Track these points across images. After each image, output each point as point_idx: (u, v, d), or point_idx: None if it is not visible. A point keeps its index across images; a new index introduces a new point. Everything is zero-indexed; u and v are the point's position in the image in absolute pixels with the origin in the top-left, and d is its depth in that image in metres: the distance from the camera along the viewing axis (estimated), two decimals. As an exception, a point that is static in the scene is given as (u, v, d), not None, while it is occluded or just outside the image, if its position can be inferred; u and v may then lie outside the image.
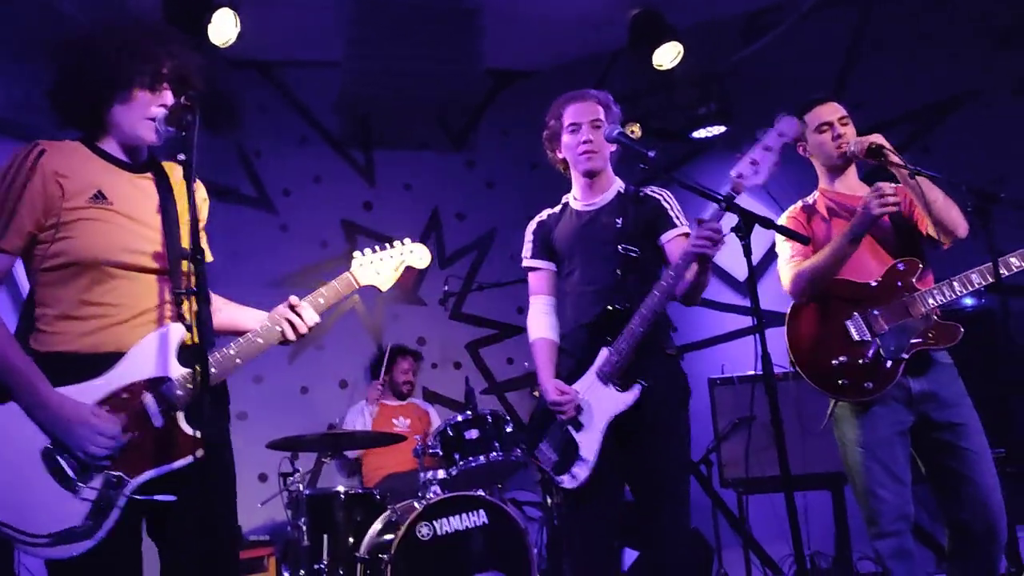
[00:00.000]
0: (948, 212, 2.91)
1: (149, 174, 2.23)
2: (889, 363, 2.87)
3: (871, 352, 2.89)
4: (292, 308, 2.25)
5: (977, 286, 2.88)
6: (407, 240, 2.53)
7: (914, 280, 2.96)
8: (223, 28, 4.72)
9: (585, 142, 3.05)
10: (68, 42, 2.15)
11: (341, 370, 5.94)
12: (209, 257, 2.36)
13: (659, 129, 5.91)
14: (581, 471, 2.91)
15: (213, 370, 2.11)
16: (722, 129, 5.76)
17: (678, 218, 3.03)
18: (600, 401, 2.92)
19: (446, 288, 5.26)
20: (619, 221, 3.01)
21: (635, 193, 3.07)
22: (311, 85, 6.08)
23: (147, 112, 2.14)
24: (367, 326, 6.05)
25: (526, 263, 3.24)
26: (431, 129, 6.40)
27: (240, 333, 2.26)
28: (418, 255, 2.53)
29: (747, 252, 2.33)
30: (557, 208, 3.23)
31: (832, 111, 3.13)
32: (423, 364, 5.92)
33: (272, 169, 6.03)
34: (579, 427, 2.95)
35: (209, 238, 2.43)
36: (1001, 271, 2.82)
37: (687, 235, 2.98)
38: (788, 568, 5.21)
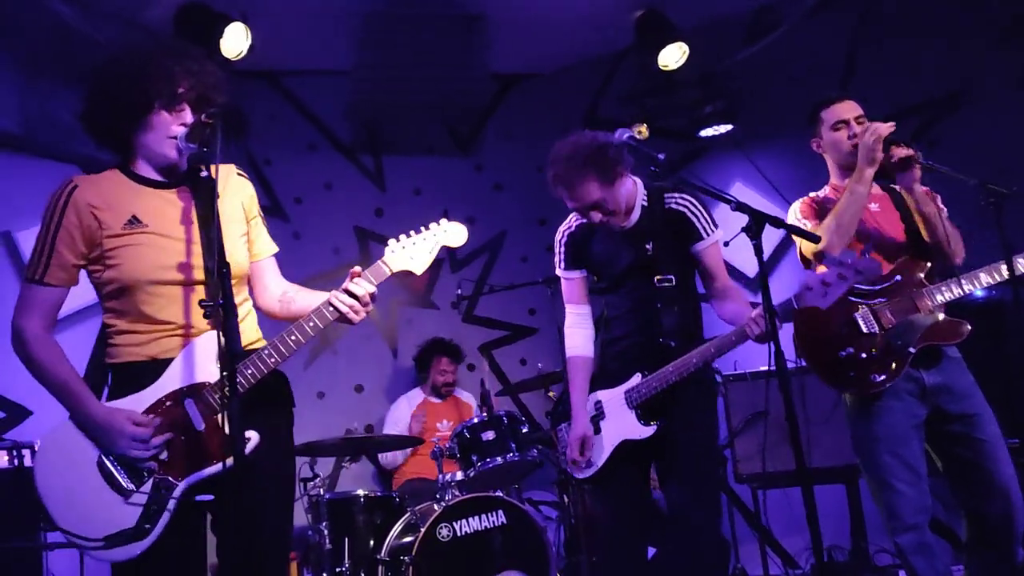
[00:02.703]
0: (956, 242, 3.00)
1: (184, 187, 2.29)
2: (897, 356, 2.89)
3: (879, 345, 2.91)
4: (346, 289, 2.27)
5: (985, 284, 2.92)
6: (443, 220, 2.47)
7: (922, 276, 2.99)
8: (235, 42, 4.76)
9: (602, 222, 2.99)
10: (94, 70, 2.23)
11: (356, 375, 5.98)
12: (274, 247, 2.49)
13: (665, 129, 5.93)
14: (587, 469, 3.07)
15: (273, 358, 2.20)
16: (728, 127, 5.78)
17: (706, 228, 3.01)
18: (620, 419, 3.02)
19: (459, 291, 5.31)
20: (649, 247, 3.00)
21: (660, 203, 3.03)
22: (320, 93, 6.11)
23: (168, 131, 2.21)
24: (381, 331, 6.10)
25: (559, 272, 3.25)
26: (439, 134, 6.43)
27: None
28: (453, 233, 2.46)
29: (758, 252, 2.37)
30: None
31: (849, 109, 3.16)
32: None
33: (283, 177, 6.06)
34: (597, 430, 3.07)
35: None
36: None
37: (718, 241, 3.02)
38: (805, 562, 5.23)
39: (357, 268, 2.31)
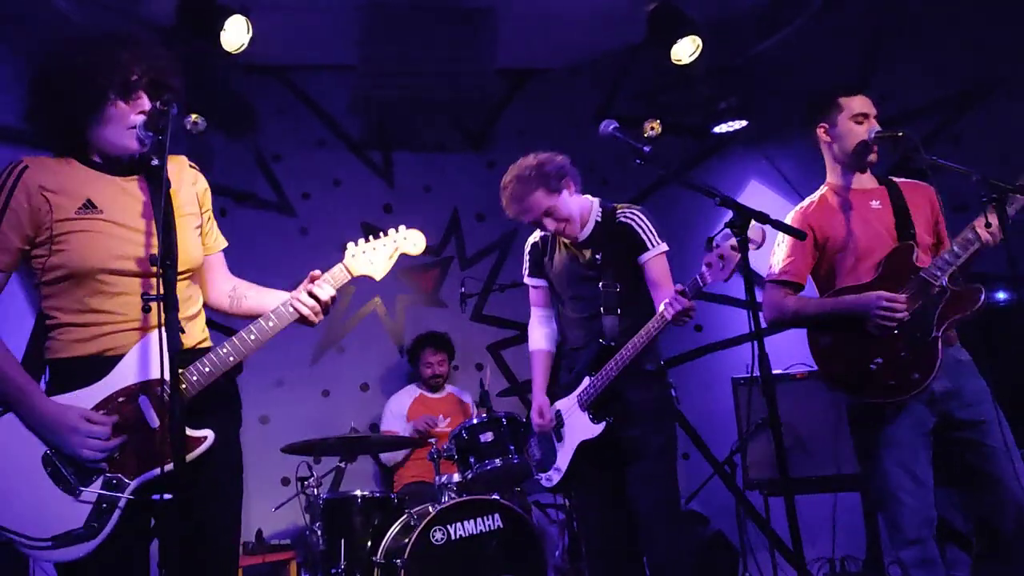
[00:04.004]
0: None
1: (139, 176, 2.22)
2: (924, 347, 2.78)
3: (903, 343, 2.80)
4: (308, 291, 2.25)
5: (975, 241, 2.75)
6: (401, 227, 2.47)
7: (913, 260, 2.88)
8: (235, 35, 4.72)
9: (557, 231, 3.30)
10: (37, 68, 2.15)
11: (362, 373, 5.92)
12: (223, 243, 2.44)
13: (679, 125, 5.81)
14: (554, 476, 3.34)
15: (231, 358, 2.15)
16: (743, 123, 5.63)
17: (651, 240, 3.24)
18: (576, 423, 3.25)
19: (463, 289, 5.24)
20: (599, 257, 3.25)
21: (611, 219, 3.27)
22: (328, 88, 6.06)
23: (127, 122, 2.14)
24: (388, 329, 6.03)
25: (526, 280, 3.59)
26: (449, 130, 6.36)
27: None
28: (412, 241, 2.45)
29: (743, 248, 2.28)
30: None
31: (870, 104, 3.07)
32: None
33: (291, 173, 6.03)
34: (560, 438, 3.32)
35: (230, 243, 2.47)
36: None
37: (663, 253, 3.24)
38: (818, 570, 5.09)
39: (317, 272, 2.28)
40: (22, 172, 2.10)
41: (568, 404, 3.28)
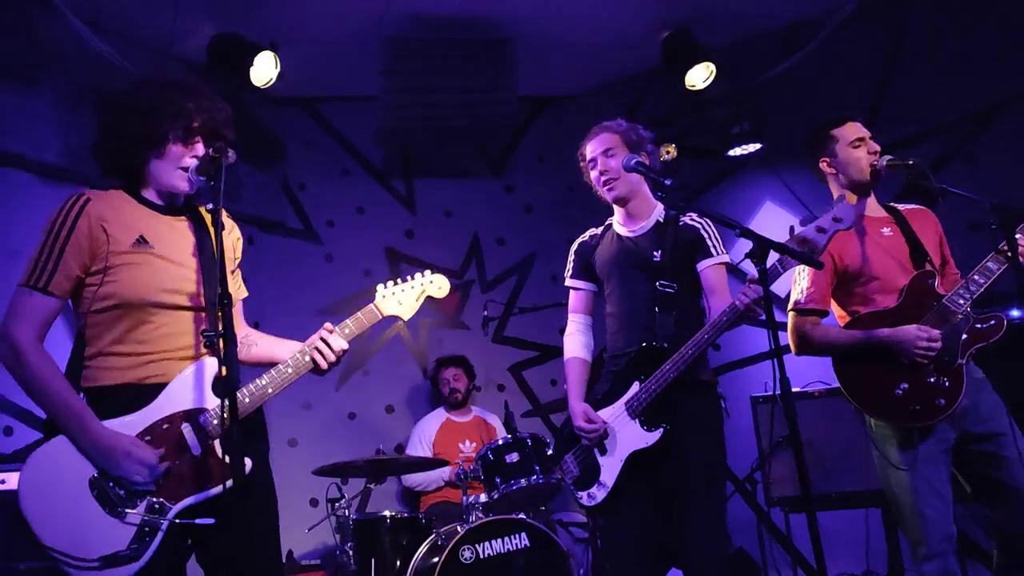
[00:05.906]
0: None
1: (185, 216, 2.39)
2: (950, 373, 2.85)
3: (929, 368, 2.87)
4: (323, 339, 2.38)
5: (997, 271, 2.87)
6: (427, 271, 2.64)
7: (936, 287, 2.97)
8: (264, 70, 4.89)
9: (601, 173, 3.19)
10: (108, 101, 2.31)
11: (387, 396, 6.04)
12: (244, 293, 2.58)
13: (694, 149, 5.91)
14: (598, 493, 3.06)
15: (247, 401, 2.26)
16: (757, 147, 5.73)
17: (715, 247, 3.11)
18: (624, 432, 3.03)
19: (485, 313, 5.34)
20: (657, 254, 3.09)
21: (675, 221, 3.12)
22: (352, 119, 6.23)
23: (180, 163, 2.30)
24: (412, 351, 6.15)
25: (567, 282, 3.39)
26: (470, 156, 6.49)
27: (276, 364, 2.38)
28: (437, 285, 2.62)
29: (763, 277, 2.36)
30: (600, 229, 3.35)
31: (862, 129, 3.17)
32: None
33: (316, 201, 6.19)
34: (603, 451, 3.07)
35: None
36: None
37: (725, 264, 3.09)
38: (839, 587, 5.13)
39: (329, 325, 2.43)
40: (85, 203, 2.24)
41: (613, 413, 3.05)
